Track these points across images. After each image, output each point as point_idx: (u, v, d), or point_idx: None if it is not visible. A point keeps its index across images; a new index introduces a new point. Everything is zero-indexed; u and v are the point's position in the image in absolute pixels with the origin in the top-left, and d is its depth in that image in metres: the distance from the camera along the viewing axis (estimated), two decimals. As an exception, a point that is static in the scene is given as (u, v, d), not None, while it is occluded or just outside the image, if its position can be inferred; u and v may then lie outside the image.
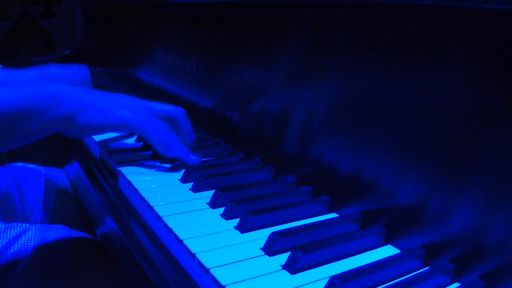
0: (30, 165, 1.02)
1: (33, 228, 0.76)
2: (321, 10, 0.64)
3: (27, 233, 0.74)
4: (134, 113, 0.67)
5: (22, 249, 0.72)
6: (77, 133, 0.67)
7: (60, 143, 1.03)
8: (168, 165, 0.72)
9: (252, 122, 0.78)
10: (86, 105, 0.65)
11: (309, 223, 0.55)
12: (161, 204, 0.59)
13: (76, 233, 0.80)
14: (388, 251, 0.52)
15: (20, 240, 0.73)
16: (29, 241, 0.73)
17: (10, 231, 0.74)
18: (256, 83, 0.78)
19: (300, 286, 0.44)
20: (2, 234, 0.73)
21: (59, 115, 0.63)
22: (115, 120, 0.66)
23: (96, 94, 0.68)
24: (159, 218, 0.56)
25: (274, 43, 0.73)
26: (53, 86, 0.65)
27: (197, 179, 0.64)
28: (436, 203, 0.48)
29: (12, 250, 0.71)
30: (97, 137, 0.83)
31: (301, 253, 0.46)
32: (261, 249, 0.50)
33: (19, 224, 0.76)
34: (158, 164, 0.73)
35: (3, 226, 0.75)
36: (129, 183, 0.66)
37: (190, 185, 0.65)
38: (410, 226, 0.50)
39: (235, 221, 0.55)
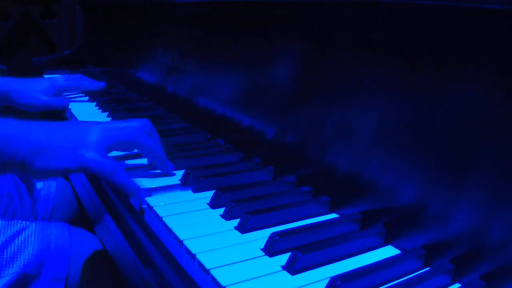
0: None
1: (33, 225, 0.76)
2: (322, 10, 0.64)
3: (26, 230, 0.74)
4: (96, 153, 0.59)
5: (22, 246, 0.72)
6: (35, 176, 0.60)
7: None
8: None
9: (252, 122, 0.78)
10: (40, 147, 0.57)
11: (309, 224, 0.55)
12: (161, 204, 0.59)
13: (75, 231, 0.80)
14: (388, 251, 0.52)
15: (19, 237, 0.73)
16: (29, 238, 0.73)
17: (10, 228, 0.74)
18: (256, 83, 0.78)
19: (301, 286, 0.44)
20: (1, 231, 0.73)
21: (7, 158, 0.56)
22: (77, 164, 0.58)
23: (50, 131, 0.60)
24: (159, 219, 0.56)
25: (274, 43, 0.73)
26: None
27: (197, 179, 0.64)
28: (436, 203, 0.48)
29: (11, 247, 0.71)
30: None
31: (301, 253, 0.46)
32: (261, 249, 0.50)
33: (19, 221, 0.77)
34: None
35: (3, 223, 0.75)
36: (129, 183, 0.65)
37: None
38: (410, 226, 0.50)
39: (235, 222, 0.55)
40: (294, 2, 0.68)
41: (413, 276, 0.46)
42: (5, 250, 0.70)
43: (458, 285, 0.46)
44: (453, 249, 0.46)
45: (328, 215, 0.59)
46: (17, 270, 0.69)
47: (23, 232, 0.74)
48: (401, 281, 0.45)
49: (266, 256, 0.48)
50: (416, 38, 0.51)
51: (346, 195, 0.58)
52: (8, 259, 0.69)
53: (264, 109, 0.75)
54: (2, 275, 0.68)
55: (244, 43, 0.81)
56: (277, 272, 0.46)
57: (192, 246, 0.49)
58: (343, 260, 0.49)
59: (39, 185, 0.98)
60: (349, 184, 0.58)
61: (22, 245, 0.72)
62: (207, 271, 0.45)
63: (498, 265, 0.43)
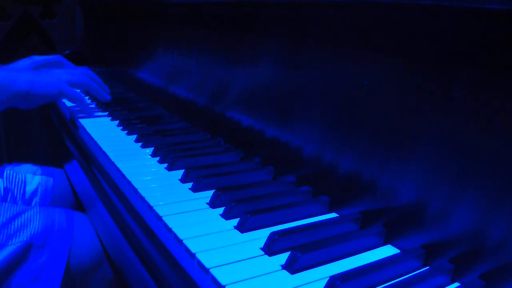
0: (29, 165, 1.03)
1: (36, 207, 0.79)
2: (322, 11, 0.64)
3: (31, 210, 0.78)
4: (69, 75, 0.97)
5: (28, 220, 0.76)
6: (35, 102, 0.92)
7: (59, 142, 1.03)
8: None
9: (252, 122, 0.78)
10: (33, 82, 0.90)
11: (308, 223, 0.55)
12: (161, 204, 0.59)
13: (77, 215, 0.82)
14: (387, 251, 0.52)
15: (26, 213, 0.76)
16: (34, 216, 0.77)
17: (15, 208, 0.76)
18: (256, 83, 0.78)
19: (300, 286, 0.44)
20: (8, 208, 0.77)
21: (14, 91, 0.88)
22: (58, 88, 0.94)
23: (35, 73, 0.93)
24: (159, 218, 0.56)
25: (274, 42, 0.73)
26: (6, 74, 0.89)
27: (196, 178, 0.64)
28: (435, 202, 0.48)
29: (18, 220, 0.75)
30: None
31: (300, 253, 0.46)
32: (260, 249, 0.50)
33: (23, 205, 0.79)
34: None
35: (8, 204, 0.78)
36: (129, 183, 0.66)
37: (189, 184, 0.65)
38: (410, 226, 0.50)
39: (235, 221, 0.55)
40: (294, 2, 0.68)
41: (413, 275, 0.46)
42: (13, 222, 0.74)
43: (457, 284, 0.46)
44: (452, 249, 0.46)
45: (328, 214, 0.59)
46: (24, 239, 0.73)
47: (28, 211, 0.78)
48: (401, 280, 0.45)
49: (266, 256, 0.48)
50: (416, 38, 0.51)
51: (346, 195, 0.58)
52: (15, 230, 0.73)
53: (264, 108, 0.75)
54: (10, 243, 0.72)
55: (243, 43, 0.81)
56: (276, 271, 0.46)
57: (192, 245, 0.49)
58: (343, 260, 0.49)
59: (38, 184, 0.98)
60: (348, 184, 0.58)
61: (28, 220, 0.76)
62: (207, 271, 0.45)
63: (497, 264, 0.43)
